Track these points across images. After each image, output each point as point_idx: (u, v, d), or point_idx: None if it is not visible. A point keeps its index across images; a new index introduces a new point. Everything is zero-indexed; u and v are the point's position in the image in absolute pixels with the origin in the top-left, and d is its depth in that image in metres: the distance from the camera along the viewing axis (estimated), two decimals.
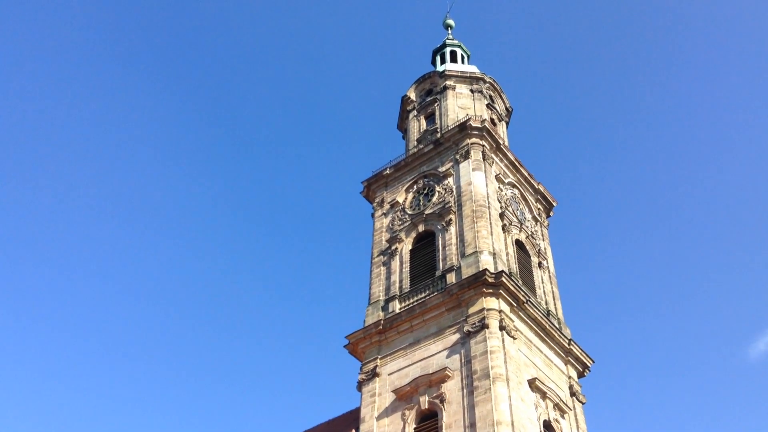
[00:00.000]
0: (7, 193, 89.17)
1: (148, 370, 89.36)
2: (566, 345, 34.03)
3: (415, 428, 29.10)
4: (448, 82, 45.70)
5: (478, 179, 36.90)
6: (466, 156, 38.26)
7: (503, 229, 35.82)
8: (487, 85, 46.74)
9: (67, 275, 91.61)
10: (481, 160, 38.14)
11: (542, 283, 36.77)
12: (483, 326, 29.60)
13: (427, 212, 37.44)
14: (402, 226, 38.04)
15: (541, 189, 42.17)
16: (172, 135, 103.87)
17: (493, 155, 39.46)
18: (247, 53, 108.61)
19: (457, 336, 30.50)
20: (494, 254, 33.02)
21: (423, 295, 33.39)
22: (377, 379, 31.86)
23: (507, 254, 34.68)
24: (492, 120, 44.46)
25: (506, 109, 48.14)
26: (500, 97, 47.91)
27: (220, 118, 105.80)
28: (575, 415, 32.09)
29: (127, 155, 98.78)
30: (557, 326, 34.35)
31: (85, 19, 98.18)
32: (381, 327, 33.15)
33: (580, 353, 34.64)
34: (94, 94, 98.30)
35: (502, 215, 36.31)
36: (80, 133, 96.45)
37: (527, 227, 38.63)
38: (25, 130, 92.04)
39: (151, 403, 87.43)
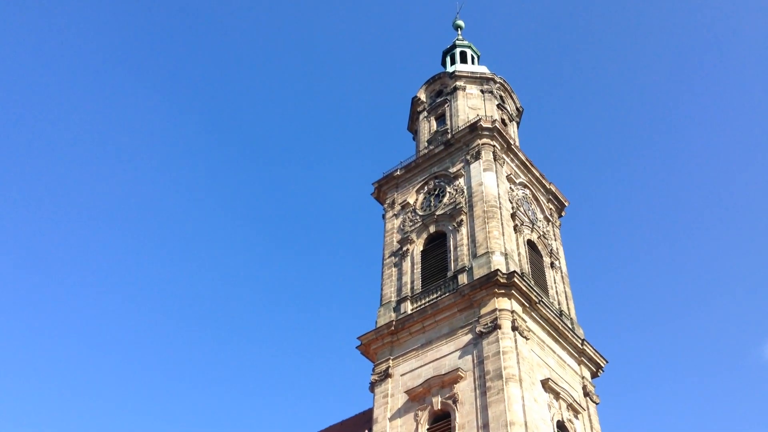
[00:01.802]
0: (7, 194, 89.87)
1: (161, 373, 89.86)
2: (579, 345, 33.90)
3: (428, 429, 29.08)
4: (459, 83, 45.67)
5: (489, 180, 36.85)
6: (477, 156, 38.22)
7: (515, 229, 35.75)
8: (498, 85, 46.67)
9: (83, 280, 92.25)
10: (492, 160, 38.08)
11: (554, 283, 36.66)
12: (495, 327, 29.56)
13: (438, 213, 37.42)
14: (413, 227, 38.04)
15: (553, 189, 42.04)
16: (181, 138, 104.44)
17: (504, 155, 39.39)
18: (256, 54, 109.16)
19: (469, 337, 30.47)
20: (506, 255, 32.96)
21: (435, 296, 33.38)
22: (390, 380, 31.87)
23: (519, 254, 34.60)
24: (503, 120, 44.39)
25: (517, 109, 48.05)
26: (511, 97, 47.82)
27: (229, 121, 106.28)
28: (589, 416, 31.97)
29: (137, 155, 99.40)
30: (570, 326, 34.22)
31: (85, 20, 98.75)
32: (393, 328, 33.18)
33: (594, 353, 34.50)
34: (98, 96, 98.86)
35: (513, 215, 36.24)
36: (84, 136, 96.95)
37: (539, 227, 38.52)
38: (24, 132, 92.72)
39: (165, 405, 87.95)
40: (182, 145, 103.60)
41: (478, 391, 28.29)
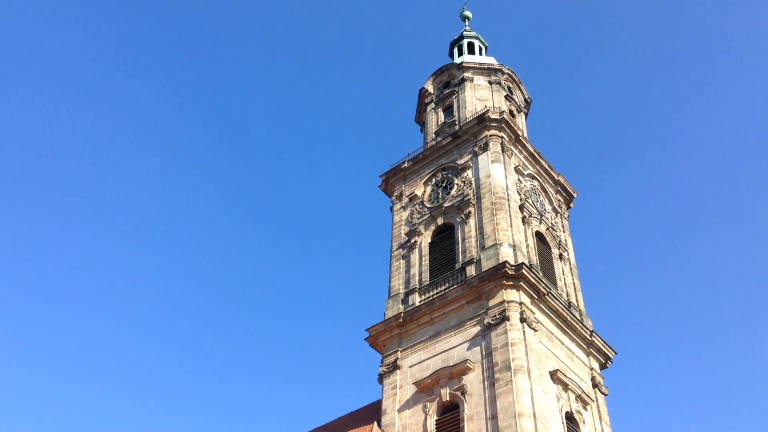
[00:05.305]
0: (10, 194, 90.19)
1: (171, 367, 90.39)
2: (588, 336, 33.86)
3: (436, 420, 29.16)
4: (466, 74, 45.49)
5: (497, 171, 36.75)
6: (485, 148, 38.12)
7: (523, 221, 35.68)
8: (506, 76, 46.47)
9: (87, 278, 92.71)
10: (500, 152, 37.97)
11: (563, 274, 36.60)
12: (504, 318, 29.56)
13: (445, 205, 37.38)
14: (421, 220, 38.02)
15: (561, 180, 41.90)
16: (189, 134, 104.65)
17: (512, 147, 39.26)
18: (263, 47, 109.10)
19: (477, 328, 30.48)
20: (514, 246, 32.91)
21: (443, 287, 33.39)
22: (398, 371, 31.96)
23: (527, 246, 34.54)
24: (510, 111, 44.22)
25: (525, 100, 47.86)
26: (519, 88, 47.62)
27: (238, 116, 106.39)
28: (598, 407, 31.97)
29: (143, 153, 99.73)
30: (579, 318, 34.18)
31: (87, 19, 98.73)
32: (401, 320, 33.23)
33: (602, 345, 34.46)
34: (101, 96, 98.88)
35: (521, 207, 36.16)
36: (87, 135, 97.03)
37: (547, 219, 38.43)
38: (27, 131, 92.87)
39: (176, 398, 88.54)
40: (192, 146, 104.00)
41: (486, 382, 28.33)
